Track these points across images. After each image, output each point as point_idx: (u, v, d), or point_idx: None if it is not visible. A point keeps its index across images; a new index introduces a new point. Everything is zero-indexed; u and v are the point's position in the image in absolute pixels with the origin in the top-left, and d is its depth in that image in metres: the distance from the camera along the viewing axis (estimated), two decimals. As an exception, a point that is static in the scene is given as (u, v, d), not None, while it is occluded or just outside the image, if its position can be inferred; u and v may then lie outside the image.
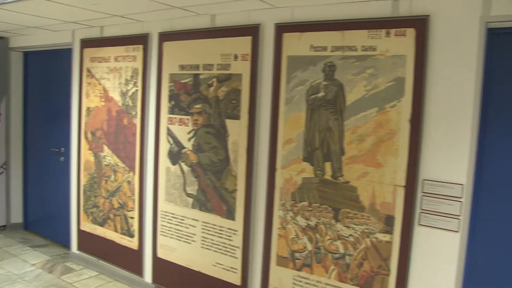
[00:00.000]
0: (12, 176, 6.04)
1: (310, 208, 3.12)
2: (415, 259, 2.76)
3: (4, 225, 6.07)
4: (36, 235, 5.94)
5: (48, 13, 4.03)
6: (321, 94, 3.06)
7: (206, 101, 3.57)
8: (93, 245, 4.73)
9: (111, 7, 3.59)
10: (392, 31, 2.75)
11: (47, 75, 5.68)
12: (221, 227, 3.57)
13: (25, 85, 6.01)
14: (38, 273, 4.71)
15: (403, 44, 2.72)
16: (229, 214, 3.51)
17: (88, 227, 4.75)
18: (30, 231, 6.07)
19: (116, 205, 4.39)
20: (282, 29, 3.21)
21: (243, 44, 3.36)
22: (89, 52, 4.60)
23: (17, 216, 6.14)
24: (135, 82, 4.09)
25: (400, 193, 2.76)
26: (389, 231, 2.80)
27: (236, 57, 3.39)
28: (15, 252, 5.30)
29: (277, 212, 3.27)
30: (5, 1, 3.59)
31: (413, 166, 2.71)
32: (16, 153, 6.04)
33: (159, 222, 4.01)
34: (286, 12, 3.22)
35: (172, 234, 3.92)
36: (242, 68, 3.36)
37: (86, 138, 4.66)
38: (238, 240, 3.48)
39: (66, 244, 5.32)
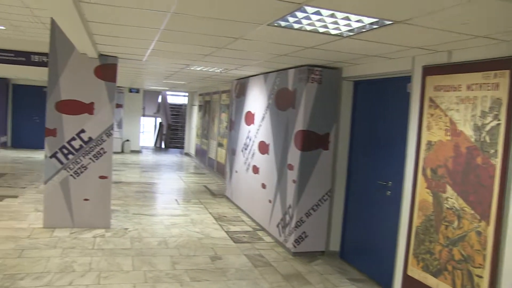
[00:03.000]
0: (334, 204, 6.14)
1: None
2: None
3: (323, 251, 6.20)
4: (351, 266, 5.86)
5: (397, 39, 3.81)
6: None
7: None
8: (421, 294, 4.28)
9: (479, 24, 3.11)
10: None
11: (377, 104, 5.57)
12: None
13: (353, 114, 6.05)
14: (360, 311, 4.53)
15: None
16: None
17: (417, 274, 4.32)
18: (345, 260, 6.03)
19: (457, 256, 3.83)
20: None
21: None
22: (432, 80, 4.22)
23: (334, 244, 6.21)
24: (496, 115, 3.49)
25: None
26: None
27: None
28: (334, 281, 5.28)
29: None
30: (362, 30, 3.50)
31: None
32: (339, 181, 6.13)
33: (519, 288, 3.28)
34: None
35: (537, 307, 3.15)
36: None
37: (424, 175, 4.26)
38: None
39: (384, 285, 5.04)
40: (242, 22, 3.62)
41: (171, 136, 21.24)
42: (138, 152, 17.87)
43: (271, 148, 7.01)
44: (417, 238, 4.34)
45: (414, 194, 4.40)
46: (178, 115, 22.54)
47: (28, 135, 16.53)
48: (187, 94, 20.67)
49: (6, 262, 5.11)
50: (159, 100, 23.76)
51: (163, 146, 21.31)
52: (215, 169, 13.09)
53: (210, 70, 7.87)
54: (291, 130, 6.21)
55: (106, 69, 6.54)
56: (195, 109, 17.21)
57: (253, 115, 8.01)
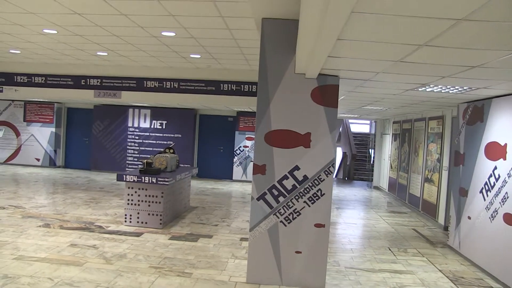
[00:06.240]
0: None
1: None
2: None
3: None
4: None
5: None
6: None
7: None
8: None
9: None
10: None
11: None
12: None
13: None
14: None
15: None
16: None
17: None
18: None
19: None
20: None
21: None
22: None
23: None
24: None
25: None
26: None
27: None
28: None
29: None
30: None
31: None
32: None
33: None
34: None
35: None
36: None
37: None
38: None
39: None
40: None
41: (355, 167, 19.81)
42: (322, 184, 16.73)
43: (545, 193, 5.16)
44: None
45: None
46: (363, 144, 21.08)
47: (213, 165, 16.52)
48: (369, 121, 19.11)
49: (214, 333, 4.15)
50: (340, 128, 22.65)
51: (346, 177, 19.98)
52: (419, 208, 11.28)
53: (443, 91, 6.29)
54: None
55: (326, 92, 5.38)
56: (387, 138, 15.58)
57: (502, 147, 6.20)
